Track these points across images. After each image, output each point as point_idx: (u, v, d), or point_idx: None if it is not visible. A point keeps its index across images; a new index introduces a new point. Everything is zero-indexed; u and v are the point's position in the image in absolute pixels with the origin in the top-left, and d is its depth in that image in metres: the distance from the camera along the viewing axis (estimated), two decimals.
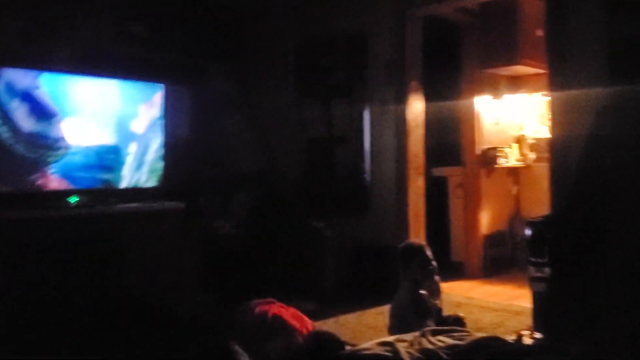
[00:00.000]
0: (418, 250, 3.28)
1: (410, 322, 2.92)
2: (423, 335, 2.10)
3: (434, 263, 3.23)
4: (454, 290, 4.66)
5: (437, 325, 2.95)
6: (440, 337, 2.10)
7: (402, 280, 3.36)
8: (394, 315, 3.18)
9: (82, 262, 3.71)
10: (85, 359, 3.15)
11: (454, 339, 2.08)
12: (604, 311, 2.67)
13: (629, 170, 3.04)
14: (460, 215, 5.37)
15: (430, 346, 1.95)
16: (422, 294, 3.08)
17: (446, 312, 3.44)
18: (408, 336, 2.14)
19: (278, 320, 2.62)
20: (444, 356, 1.75)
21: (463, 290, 4.69)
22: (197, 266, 4.23)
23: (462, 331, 2.17)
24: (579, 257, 3.23)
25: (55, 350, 3.17)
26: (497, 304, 4.22)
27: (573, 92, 3.61)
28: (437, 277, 3.31)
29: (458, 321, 3.17)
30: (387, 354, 1.76)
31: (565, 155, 3.65)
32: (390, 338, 2.15)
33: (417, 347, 1.97)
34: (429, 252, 3.26)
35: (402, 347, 1.78)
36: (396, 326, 3.01)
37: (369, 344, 2.09)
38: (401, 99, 4.55)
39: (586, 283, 3.04)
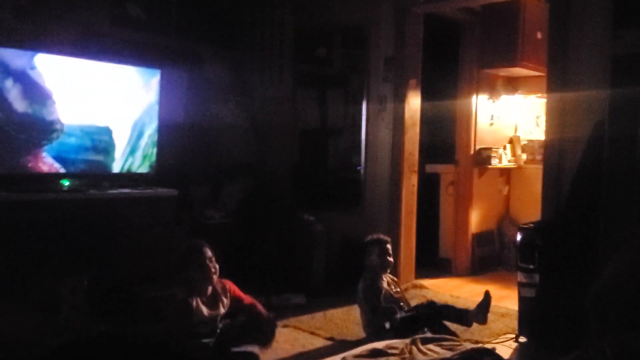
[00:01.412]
0: (378, 241, 3.48)
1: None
2: (413, 342, 2.12)
3: (391, 259, 3.46)
4: (441, 289, 4.70)
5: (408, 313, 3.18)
6: (431, 346, 2.12)
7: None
8: (362, 310, 3.39)
9: (73, 246, 3.70)
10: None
11: (443, 348, 2.11)
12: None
13: (623, 181, 3.08)
14: (451, 213, 5.40)
15: (421, 357, 1.97)
16: (375, 281, 3.35)
17: None
18: (399, 343, 2.16)
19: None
20: None
21: (450, 289, 4.72)
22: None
23: (451, 340, 2.19)
24: (569, 265, 3.28)
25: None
26: None
27: (570, 95, 3.63)
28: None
29: (432, 305, 3.29)
30: None
31: (558, 157, 3.69)
32: (382, 344, 2.16)
33: (408, 356, 1.99)
34: (389, 246, 3.47)
35: None
36: (365, 323, 3.25)
37: (359, 351, 2.11)
38: (399, 96, 4.54)
39: (575, 291, 3.09)
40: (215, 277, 2.88)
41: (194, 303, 2.78)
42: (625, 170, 3.07)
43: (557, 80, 3.73)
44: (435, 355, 2.00)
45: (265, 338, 3.00)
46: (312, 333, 3.59)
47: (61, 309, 3.59)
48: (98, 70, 4.01)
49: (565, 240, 3.34)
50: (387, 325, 2.99)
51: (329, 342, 3.45)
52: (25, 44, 3.80)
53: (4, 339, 3.16)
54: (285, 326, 3.69)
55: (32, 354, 3.09)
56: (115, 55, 4.17)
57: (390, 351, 2.07)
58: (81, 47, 4.12)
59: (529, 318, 3.42)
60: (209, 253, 2.87)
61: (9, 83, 3.62)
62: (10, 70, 3.61)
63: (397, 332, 2.76)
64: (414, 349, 2.08)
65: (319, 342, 3.45)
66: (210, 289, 2.90)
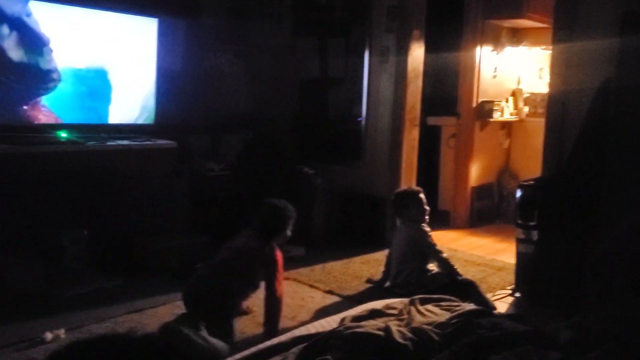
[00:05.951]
0: (413, 193, 3.68)
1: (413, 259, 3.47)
2: (412, 303, 2.14)
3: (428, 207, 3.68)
4: (439, 241, 4.65)
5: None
6: (429, 307, 2.14)
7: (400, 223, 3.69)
8: (398, 258, 3.53)
9: (72, 198, 3.71)
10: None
11: (442, 309, 2.13)
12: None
13: (630, 136, 3.03)
14: (451, 166, 5.40)
15: (420, 318, 1.99)
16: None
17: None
18: (398, 303, 2.18)
19: None
20: (435, 337, 1.78)
21: (448, 241, 4.77)
22: (186, 207, 4.23)
23: (450, 300, 2.22)
24: (569, 223, 3.29)
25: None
26: (481, 258, 4.31)
27: (577, 47, 3.55)
28: None
29: (470, 284, 3.37)
30: (379, 333, 1.79)
31: (562, 110, 3.64)
32: (380, 304, 2.18)
33: (406, 316, 2.01)
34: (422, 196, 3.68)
35: (394, 327, 1.82)
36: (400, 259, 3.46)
37: (358, 311, 2.13)
38: (402, 48, 4.44)
39: (573, 250, 3.11)
40: None
41: None
42: (633, 124, 3.01)
43: (563, 32, 3.64)
44: (433, 317, 2.02)
45: None
46: (312, 286, 3.65)
47: (63, 260, 3.63)
48: (95, 18, 3.91)
49: (566, 197, 3.33)
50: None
51: (328, 296, 3.51)
52: None
53: (9, 290, 3.21)
54: (285, 279, 3.72)
55: (38, 305, 3.14)
56: (111, 3, 4.05)
57: (388, 311, 2.09)
58: None
59: (526, 274, 3.45)
60: None
61: (4, 30, 3.54)
62: (5, 17, 3.52)
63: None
64: (413, 309, 2.09)
65: (318, 295, 3.51)
66: None
